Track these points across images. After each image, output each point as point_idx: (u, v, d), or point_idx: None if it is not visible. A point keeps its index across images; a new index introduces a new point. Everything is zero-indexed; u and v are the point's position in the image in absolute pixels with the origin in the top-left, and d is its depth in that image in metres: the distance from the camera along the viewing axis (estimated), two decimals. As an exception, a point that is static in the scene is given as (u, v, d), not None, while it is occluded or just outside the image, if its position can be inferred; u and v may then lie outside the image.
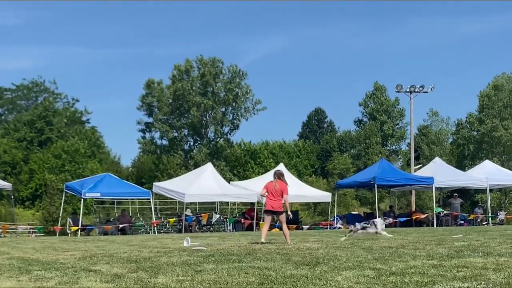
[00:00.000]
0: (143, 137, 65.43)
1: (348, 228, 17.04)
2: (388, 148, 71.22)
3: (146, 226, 31.00)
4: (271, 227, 22.47)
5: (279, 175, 14.92)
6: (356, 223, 17.14)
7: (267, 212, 15.00)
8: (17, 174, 57.12)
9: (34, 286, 7.36)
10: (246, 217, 30.60)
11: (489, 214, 34.10)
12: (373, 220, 17.30)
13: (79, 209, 30.86)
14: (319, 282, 7.35)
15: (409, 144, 54.60)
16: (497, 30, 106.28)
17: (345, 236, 16.25)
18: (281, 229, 16.38)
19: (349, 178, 40.52)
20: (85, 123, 70.13)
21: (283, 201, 14.61)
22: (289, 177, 32.65)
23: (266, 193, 14.66)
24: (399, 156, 71.88)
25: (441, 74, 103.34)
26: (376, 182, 30.36)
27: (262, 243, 14.30)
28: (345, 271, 8.37)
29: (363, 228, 16.47)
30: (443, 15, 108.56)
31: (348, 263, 9.31)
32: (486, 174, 32.85)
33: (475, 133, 61.14)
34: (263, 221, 15.15)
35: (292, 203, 36.61)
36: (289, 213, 15.49)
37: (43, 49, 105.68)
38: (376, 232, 16.41)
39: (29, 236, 32.22)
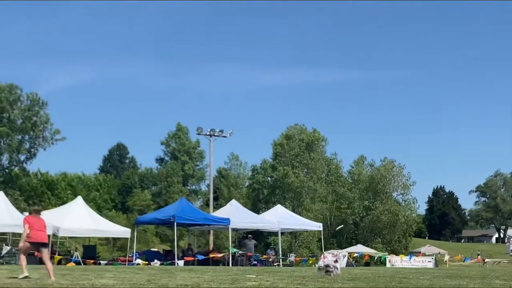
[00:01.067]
0: None
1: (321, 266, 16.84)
2: (188, 187, 72.35)
3: None
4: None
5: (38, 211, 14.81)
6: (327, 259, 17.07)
7: (37, 244, 14.60)
8: None
9: None
10: (40, 250, 29.27)
11: (280, 256, 35.83)
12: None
13: None
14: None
15: (208, 185, 55.94)
16: (294, 83, 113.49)
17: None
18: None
19: (149, 215, 40.48)
20: None
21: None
22: (87, 211, 31.99)
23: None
24: (199, 196, 73.30)
25: (240, 120, 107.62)
26: (176, 220, 30.64)
27: (26, 277, 13.88)
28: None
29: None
30: (243, 64, 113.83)
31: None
32: (278, 218, 34.62)
33: (269, 178, 64.44)
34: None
35: (90, 237, 35.76)
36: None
37: None
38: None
39: None
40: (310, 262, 35.49)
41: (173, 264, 29.03)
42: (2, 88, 60.00)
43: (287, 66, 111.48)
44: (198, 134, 46.75)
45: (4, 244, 30.01)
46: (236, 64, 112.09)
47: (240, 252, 34.46)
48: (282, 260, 35.52)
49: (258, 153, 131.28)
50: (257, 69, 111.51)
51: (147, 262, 29.73)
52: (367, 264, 41.59)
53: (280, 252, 36.33)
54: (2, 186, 55.57)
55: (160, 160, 74.50)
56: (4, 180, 59.49)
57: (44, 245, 14.59)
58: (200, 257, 31.72)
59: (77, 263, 28.62)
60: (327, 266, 16.86)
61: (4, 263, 28.14)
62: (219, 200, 62.66)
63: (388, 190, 64.98)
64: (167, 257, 31.80)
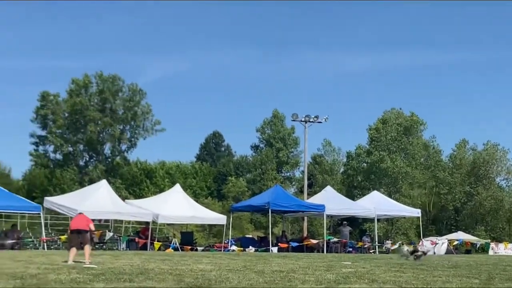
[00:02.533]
0: (36, 150, 63.32)
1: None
2: (282, 174, 72.44)
3: (35, 242, 29.89)
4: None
5: None
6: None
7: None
8: None
9: None
10: (140, 236, 30.20)
11: (376, 243, 35.34)
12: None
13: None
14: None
15: (303, 171, 55.80)
16: (389, 67, 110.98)
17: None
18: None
19: (244, 202, 40.89)
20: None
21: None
22: (185, 198, 32.68)
23: None
24: (293, 183, 73.25)
25: (335, 105, 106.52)
26: (270, 207, 30.78)
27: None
28: (237, 293, 8.50)
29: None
30: (339, 48, 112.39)
31: (239, 286, 9.46)
32: (374, 204, 34.11)
33: (364, 164, 63.47)
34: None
35: (187, 224, 36.53)
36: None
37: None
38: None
39: None
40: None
41: (267, 250, 29.20)
42: (106, 79, 62.14)
43: (383, 48, 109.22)
44: (293, 120, 46.66)
45: (107, 230, 31.14)
46: (330, 48, 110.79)
47: (335, 239, 34.23)
48: (378, 247, 35.02)
49: (353, 139, 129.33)
50: (353, 52, 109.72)
51: (242, 249, 30.05)
52: (468, 251, 40.25)
53: (376, 239, 35.79)
54: (105, 174, 57.74)
55: (255, 147, 75.12)
56: (106, 169, 61.74)
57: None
58: (294, 244, 31.75)
59: (175, 249, 29.31)
60: (414, 251, 16.39)
61: (107, 248, 29.21)
62: (313, 187, 62.40)
63: (491, 175, 62.67)
64: (261, 244, 32.02)
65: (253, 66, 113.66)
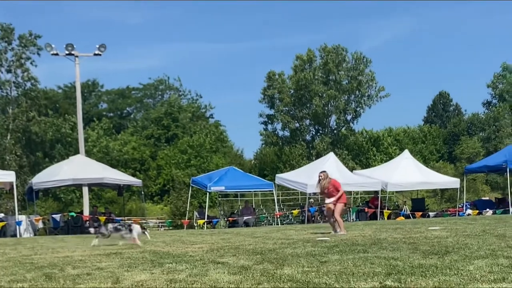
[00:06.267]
0: (265, 129, 66.11)
1: None
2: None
3: (269, 218, 31.30)
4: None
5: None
6: (109, 226, 14.40)
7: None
8: (145, 170, 59.56)
9: (167, 278, 7.58)
10: (369, 206, 30.17)
11: None
12: (130, 225, 14.49)
13: (205, 202, 31.65)
14: (450, 272, 7.06)
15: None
16: None
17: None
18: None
19: (478, 163, 38.89)
20: (208, 118, 71.92)
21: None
22: (414, 164, 31.90)
23: None
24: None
25: None
26: (508, 166, 28.96)
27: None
28: (477, 260, 8.01)
29: (116, 230, 14.03)
30: None
31: (480, 252, 8.91)
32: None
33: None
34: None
35: (417, 190, 35.73)
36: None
37: (166, 47, 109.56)
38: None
39: (158, 230, 33.50)
40: None
41: (506, 212, 27.49)
42: (329, 51, 62.76)
43: None
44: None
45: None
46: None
47: None
48: None
49: None
50: None
51: (478, 212, 28.68)
52: None
53: None
54: (331, 147, 58.55)
55: (487, 104, 71.22)
56: (332, 141, 62.56)
57: None
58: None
59: (406, 216, 28.82)
60: None
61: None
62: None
63: None
64: (499, 205, 30.23)
65: (474, 20, 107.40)
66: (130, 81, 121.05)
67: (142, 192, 36.69)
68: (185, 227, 29.71)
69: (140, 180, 34.86)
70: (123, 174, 32.85)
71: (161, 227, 35.59)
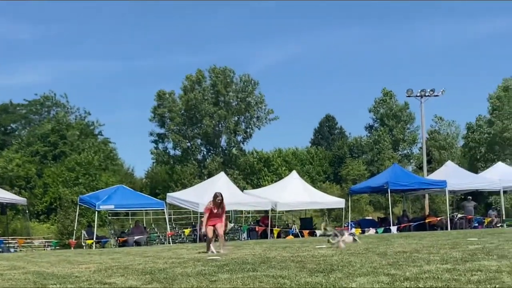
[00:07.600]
0: (156, 148, 65.69)
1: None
2: (399, 152, 70.96)
3: (160, 237, 31.08)
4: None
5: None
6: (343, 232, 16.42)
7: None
8: (31, 188, 57.36)
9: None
10: (260, 224, 30.63)
11: (503, 217, 33.89)
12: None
13: (94, 221, 30.99)
14: (333, 289, 7.38)
15: (420, 148, 54.43)
16: (505, 32, 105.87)
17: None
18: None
19: (362, 184, 40.50)
20: (97, 136, 70.39)
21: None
22: (302, 184, 32.78)
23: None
24: (411, 160, 71.60)
25: (450, 77, 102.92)
26: (389, 187, 30.34)
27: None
28: (359, 277, 8.40)
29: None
30: (450, 17, 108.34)
31: (363, 269, 9.34)
32: (499, 176, 32.71)
33: (485, 135, 60.87)
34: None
35: (305, 210, 36.64)
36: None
37: (54, 64, 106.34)
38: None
39: (44, 249, 32.38)
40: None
41: (388, 231, 28.76)
42: (218, 72, 63.40)
43: (497, 13, 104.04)
44: (408, 96, 45.57)
45: (227, 221, 31.80)
46: (439, 19, 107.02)
47: (459, 215, 33.19)
48: (506, 221, 33.54)
49: (472, 110, 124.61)
50: (463, 22, 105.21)
51: (362, 231, 29.80)
52: None
53: (503, 213, 34.29)
54: (223, 166, 58.97)
55: (369, 128, 74.15)
56: (224, 161, 63.04)
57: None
58: (416, 223, 31.08)
59: (295, 235, 29.48)
60: None
61: (228, 239, 29.81)
62: (432, 163, 60.76)
63: None
64: (382, 224, 31.60)
65: (357, 46, 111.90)
66: (14, 97, 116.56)
67: (27, 211, 35.40)
68: (72, 247, 28.90)
69: (25, 199, 33.65)
70: (6, 192, 31.63)
71: (48, 247, 34.38)
